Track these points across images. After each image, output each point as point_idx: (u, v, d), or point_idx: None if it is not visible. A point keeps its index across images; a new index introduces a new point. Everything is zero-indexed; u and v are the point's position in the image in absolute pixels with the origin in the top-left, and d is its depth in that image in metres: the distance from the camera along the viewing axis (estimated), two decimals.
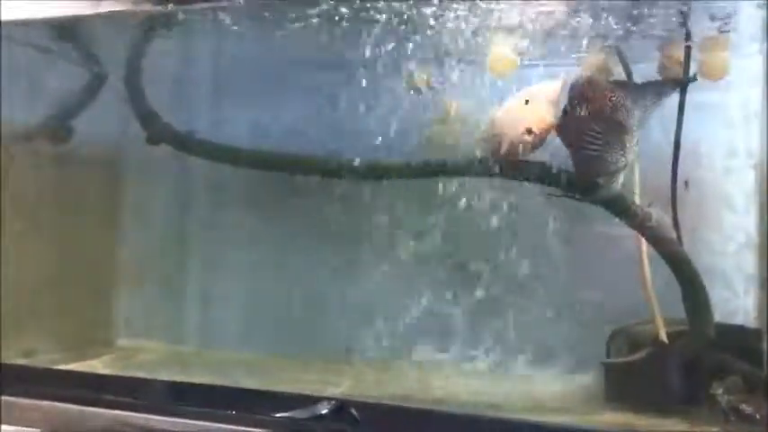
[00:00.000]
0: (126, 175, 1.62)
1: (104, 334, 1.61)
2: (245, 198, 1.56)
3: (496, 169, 1.16)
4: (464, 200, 1.25)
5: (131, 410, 1.07)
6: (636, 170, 1.20)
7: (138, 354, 1.54)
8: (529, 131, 1.12)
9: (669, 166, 1.21)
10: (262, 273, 1.57)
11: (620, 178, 1.14)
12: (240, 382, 1.21)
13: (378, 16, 1.16)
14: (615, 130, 1.09)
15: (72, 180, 1.55)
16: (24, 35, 1.38)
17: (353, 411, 1.02)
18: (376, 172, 1.29)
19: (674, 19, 1.13)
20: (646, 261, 1.20)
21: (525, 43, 1.22)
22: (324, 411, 1.03)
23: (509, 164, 1.15)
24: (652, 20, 1.13)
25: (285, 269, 1.54)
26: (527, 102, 1.15)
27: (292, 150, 1.36)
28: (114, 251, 1.63)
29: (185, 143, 1.45)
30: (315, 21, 1.18)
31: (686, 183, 1.25)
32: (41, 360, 1.41)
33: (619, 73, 1.19)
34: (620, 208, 1.16)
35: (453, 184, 1.24)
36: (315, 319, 1.48)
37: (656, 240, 1.16)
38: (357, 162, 1.26)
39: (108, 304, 1.63)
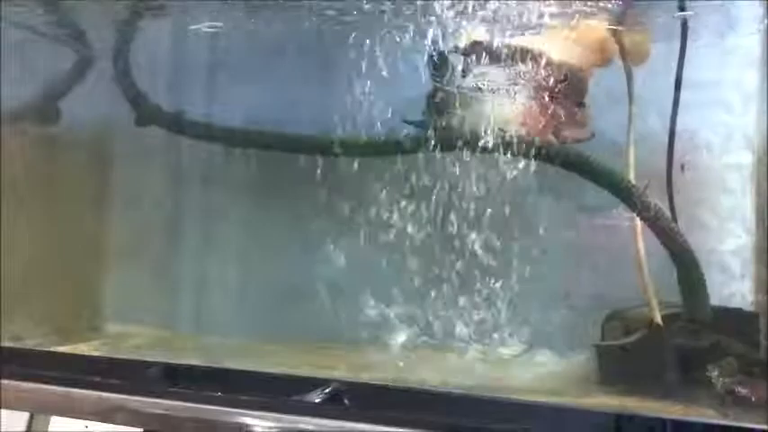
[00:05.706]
0: (115, 156, 1.59)
1: (93, 319, 1.58)
2: (239, 180, 1.53)
3: None
4: (458, 180, 1.23)
5: (120, 392, 1.06)
6: (631, 152, 1.19)
7: (128, 339, 1.52)
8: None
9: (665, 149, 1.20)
10: (255, 257, 1.55)
11: None
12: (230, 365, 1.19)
13: None
14: None
15: (60, 162, 1.53)
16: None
17: (346, 395, 1.01)
18: (378, 150, 1.24)
19: None
20: (641, 243, 1.19)
21: None
22: (317, 394, 1.02)
23: None
24: None
25: (279, 253, 1.52)
26: None
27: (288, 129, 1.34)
28: (103, 235, 1.60)
29: (175, 124, 1.44)
30: None
31: (682, 166, 1.25)
32: (28, 345, 1.39)
33: None
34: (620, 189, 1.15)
35: (446, 162, 1.21)
36: (309, 304, 1.46)
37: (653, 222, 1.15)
38: (357, 139, 1.22)
39: (96, 289, 1.60)
